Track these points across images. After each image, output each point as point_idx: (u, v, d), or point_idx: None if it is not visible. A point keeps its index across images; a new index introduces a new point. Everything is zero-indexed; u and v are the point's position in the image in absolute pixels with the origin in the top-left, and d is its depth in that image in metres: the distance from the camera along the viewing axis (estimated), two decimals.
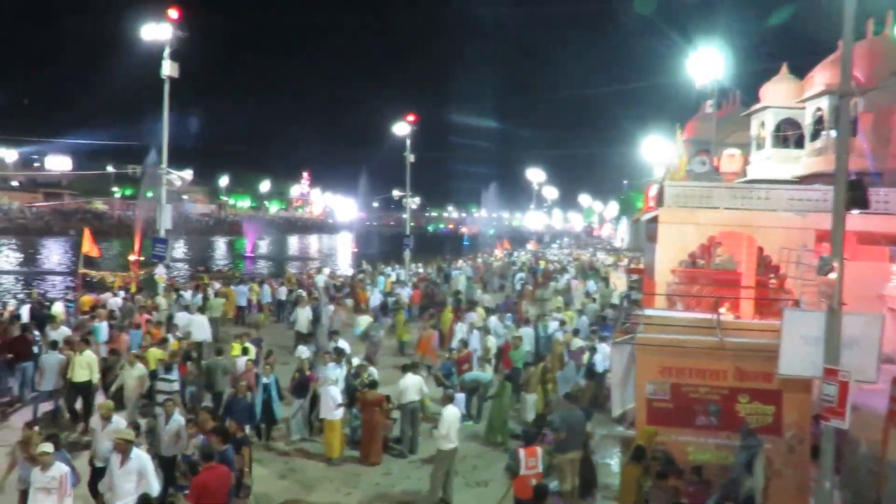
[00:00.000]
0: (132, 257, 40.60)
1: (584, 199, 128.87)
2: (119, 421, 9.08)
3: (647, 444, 8.96)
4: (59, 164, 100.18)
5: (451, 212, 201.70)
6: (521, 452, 8.64)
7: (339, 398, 11.48)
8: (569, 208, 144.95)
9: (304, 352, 14.56)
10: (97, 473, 8.72)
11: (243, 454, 8.92)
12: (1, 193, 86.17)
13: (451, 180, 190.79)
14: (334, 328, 18.15)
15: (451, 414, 10.22)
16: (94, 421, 9.24)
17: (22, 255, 55.16)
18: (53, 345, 13.20)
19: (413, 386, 12.00)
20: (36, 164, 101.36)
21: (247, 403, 11.16)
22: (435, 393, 13.50)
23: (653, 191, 22.06)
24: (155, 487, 7.78)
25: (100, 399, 11.98)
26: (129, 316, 17.88)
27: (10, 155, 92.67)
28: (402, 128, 37.25)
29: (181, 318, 17.35)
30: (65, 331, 14.77)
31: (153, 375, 12.45)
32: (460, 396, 12.56)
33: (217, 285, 25.86)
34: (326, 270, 36.32)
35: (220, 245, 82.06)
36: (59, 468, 7.41)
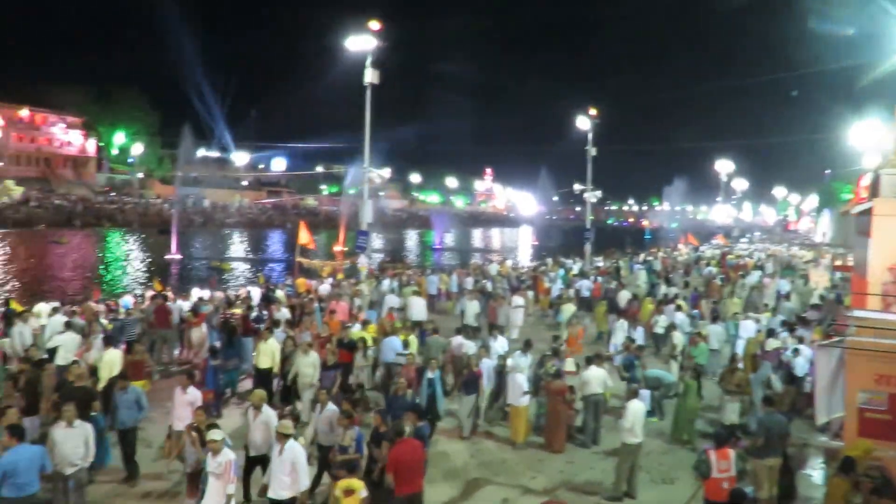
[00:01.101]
0: (337, 248, 44.33)
1: (779, 190, 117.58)
2: (269, 411, 8.78)
3: (861, 460, 7.96)
4: (279, 165, 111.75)
5: (632, 205, 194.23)
6: (713, 454, 8.08)
7: (526, 385, 11.55)
8: (760, 201, 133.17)
9: (469, 346, 13.57)
10: (251, 462, 8.71)
11: (382, 448, 8.33)
12: (234, 192, 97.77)
13: (631, 173, 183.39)
14: (500, 322, 18.14)
15: (636, 408, 9.85)
16: (249, 410, 8.92)
17: (250, 245, 62.34)
18: (276, 324, 14.78)
19: (596, 378, 11.74)
20: (261, 167, 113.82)
21: (406, 401, 10.22)
22: (617, 388, 13.12)
23: (865, 180, 19.44)
24: (304, 482, 7.63)
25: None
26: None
27: (242, 158, 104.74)
28: (583, 122, 36.53)
29: (392, 300, 19.19)
30: (285, 312, 16.44)
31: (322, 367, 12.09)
32: (645, 392, 12.06)
33: (410, 273, 27.31)
34: (508, 262, 36.74)
35: (412, 238, 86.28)
36: (227, 454, 7.38)
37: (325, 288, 21.89)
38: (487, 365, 12.27)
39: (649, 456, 10.88)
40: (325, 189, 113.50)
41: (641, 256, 41.23)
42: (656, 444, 11.63)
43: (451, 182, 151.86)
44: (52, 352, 12.64)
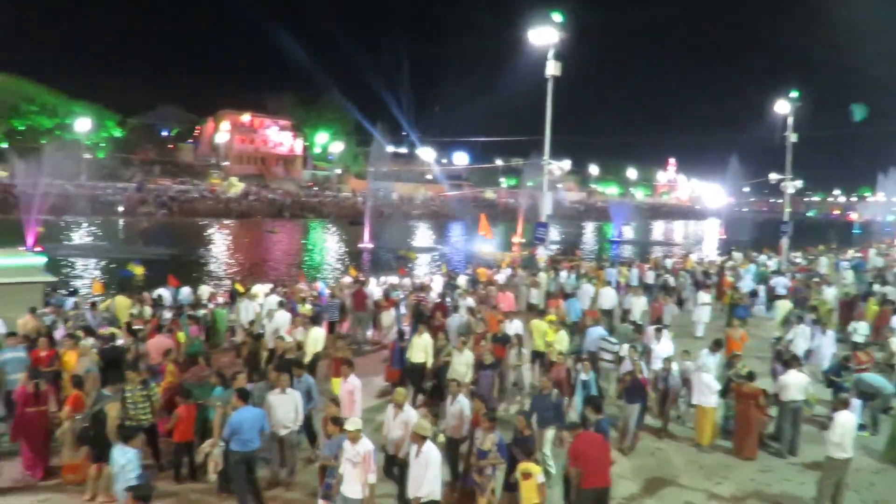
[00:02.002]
0: (515, 239, 44.73)
1: None
2: (410, 410, 8.38)
3: None
4: (461, 159, 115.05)
5: (837, 196, 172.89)
6: None
7: (715, 385, 10.79)
8: None
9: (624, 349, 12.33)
10: (390, 459, 8.37)
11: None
12: (419, 186, 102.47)
13: (838, 161, 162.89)
14: (665, 321, 16.26)
15: (846, 420, 8.74)
16: (389, 408, 8.52)
17: (434, 235, 65.01)
18: (455, 308, 15.26)
19: (796, 384, 10.63)
20: (444, 161, 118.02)
21: (552, 402, 9.40)
22: (820, 393, 11.78)
23: None
24: (435, 489, 7.16)
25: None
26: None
27: (427, 154, 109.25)
28: (782, 106, 33.09)
29: (588, 290, 19.13)
30: (469, 301, 16.91)
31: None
32: (857, 402, 10.70)
33: (587, 266, 26.75)
34: (693, 257, 34.52)
35: (589, 230, 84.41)
36: (365, 444, 7.25)
37: (502, 278, 22.21)
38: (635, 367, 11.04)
39: (858, 474, 9.64)
40: (503, 182, 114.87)
41: (849, 253, 36.56)
42: (866, 461, 10.28)
43: (631, 173, 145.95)
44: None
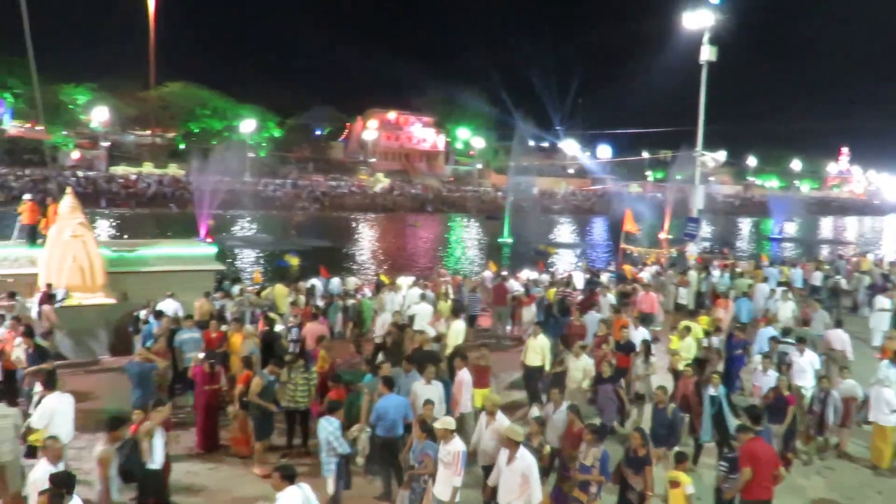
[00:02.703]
0: (662, 235, 42.65)
1: None
2: (503, 418, 7.95)
3: None
4: (604, 153, 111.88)
5: None
6: None
7: (895, 402, 9.62)
8: None
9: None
10: (484, 472, 7.97)
11: (644, 475, 7.27)
12: (560, 180, 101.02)
13: None
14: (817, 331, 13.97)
15: None
16: (481, 417, 8.22)
17: (574, 231, 63.82)
18: (592, 306, 14.81)
19: None
20: (587, 154, 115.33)
21: (667, 418, 8.69)
22: None
23: None
24: (537, 496, 6.81)
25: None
26: (660, 289, 18.66)
27: (569, 147, 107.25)
28: None
29: (763, 289, 17.98)
30: (611, 298, 16.40)
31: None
32: None
33: (744, 265, 24.90)
34: (870, 256, 30.97)
35: (745, 226, 78.59)
36: (457, 444, 7.07)
37: (647, 276, 21.27)
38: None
39: None
40: (649, 175, 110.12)
41: None
42: None
43: (796, 164, 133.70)
44: (410, 319, 14.66)
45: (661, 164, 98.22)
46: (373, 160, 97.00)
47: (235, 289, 17.56)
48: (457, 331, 12.92)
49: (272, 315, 13.72)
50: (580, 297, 16.76)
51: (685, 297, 19.16)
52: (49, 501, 5.56)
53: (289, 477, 6.13)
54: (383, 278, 20.36)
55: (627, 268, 22.51)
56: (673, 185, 56.95)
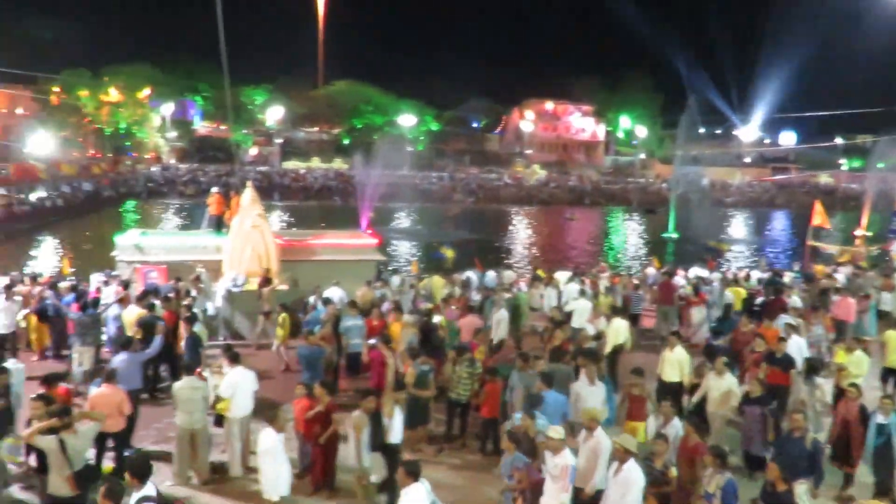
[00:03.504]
0: (858, 232, 38.25)
1: None
2: (603, 438, 7.28)
3: None
4: (787, 139, 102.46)
5: None
6: None
7: None
8: None
9: None
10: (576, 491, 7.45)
11: None
12: (734, 170, 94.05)
13: None
14: None
15: None
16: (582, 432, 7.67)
17: (751, 226, 59.18)
18: (784, 309, 13.57)
19: None
20: (766, 141, 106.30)
21: (802, 448, 7.68)
22: None
23: None
24: None
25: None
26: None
27: (748, 134, 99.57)
28: None
29: None
30: (796, 300, 15.00)
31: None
32: None
33: None
34: None
35: None
36: (566, 457, 6.78)
37: (842, 277, 19.17)
38: None
39: None
40: (843, 163, 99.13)
41: None
42: None
43: None
44: (568, 315, 14.45)
45: (860, 151, 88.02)
46: (529, 152, 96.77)
47: (396, 279, 18.37)
48: (617, 329, 12.54)
49: (429, 305, 14.16)
50: (760, 300, 15.48)
51: (890, 303, 16.98)
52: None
53: (413, 474, 6.17)
54: (540, 273, 20.24)
55: (819, 268, 20.42)
56: (873, 175, 50.83)
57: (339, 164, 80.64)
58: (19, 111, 75.61)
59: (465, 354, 9.96)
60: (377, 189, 42.58)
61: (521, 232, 51.52)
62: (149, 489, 5.82)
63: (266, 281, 15.13)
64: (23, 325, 13.61)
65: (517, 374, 9.34)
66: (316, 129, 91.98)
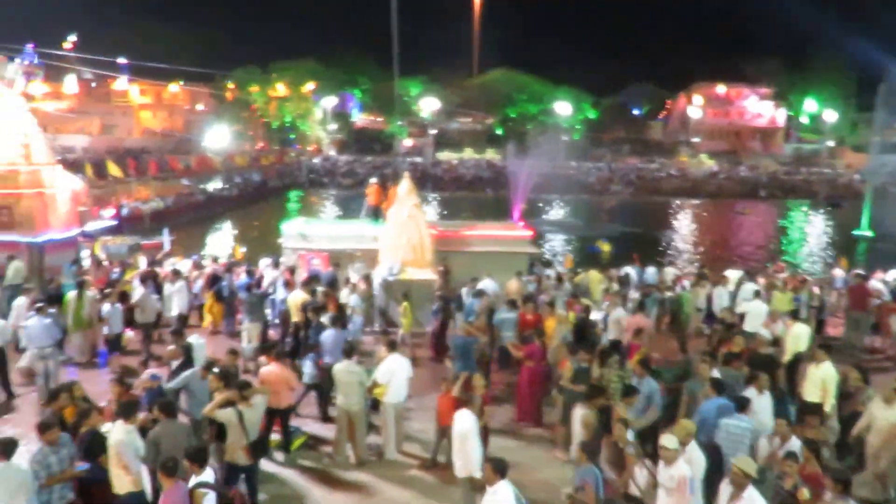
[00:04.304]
0: None
1: None
2: (698, 454, 6.91)
3: None
4: None
5: None
6: None
7: None
8: None
9: None
10: None
11: None
12: None
13: None
14: None
15: None
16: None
17: None
18: None
19: None
20: None
21: None
22: None
23: None
24: None
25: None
26: None
27: None
28: None
29: None
30: None
31: None
32: None
33: None
34: None
35: None
36: (681, 468, 6.36)
37: None
38: None
39: None
40: None
41: None
42: None
43: None
44: (740, 318, 13.55)
45: None
46: (696, 140, 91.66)
47: (548, 272, 18.24)
48: (797, 335, 11.57)
49: (586, 301, 13.93)
50: None
51: None
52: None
53: (500, 470, 6.07)
54: (707, 271, 19.16)
55: None
56: None
57: (491, 154, 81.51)
58: (199, 107, 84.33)
59: (612, 356, 9.69)
60: (530, 180, 42.49)
61: (685, 226, 49.04)
62: (207, 475, 6.15)
63: (444, 273, 15.67)
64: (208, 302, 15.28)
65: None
66: (469, 119, 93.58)
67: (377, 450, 9.52)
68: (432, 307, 14.10)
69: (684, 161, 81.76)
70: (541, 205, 53.76)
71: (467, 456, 7.41)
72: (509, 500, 5.96)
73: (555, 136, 72.22)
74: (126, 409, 6.87)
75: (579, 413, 8.13)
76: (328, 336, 10.54)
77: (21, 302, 12.96)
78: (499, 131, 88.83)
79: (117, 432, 6.65)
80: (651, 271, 19.63)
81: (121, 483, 6.57)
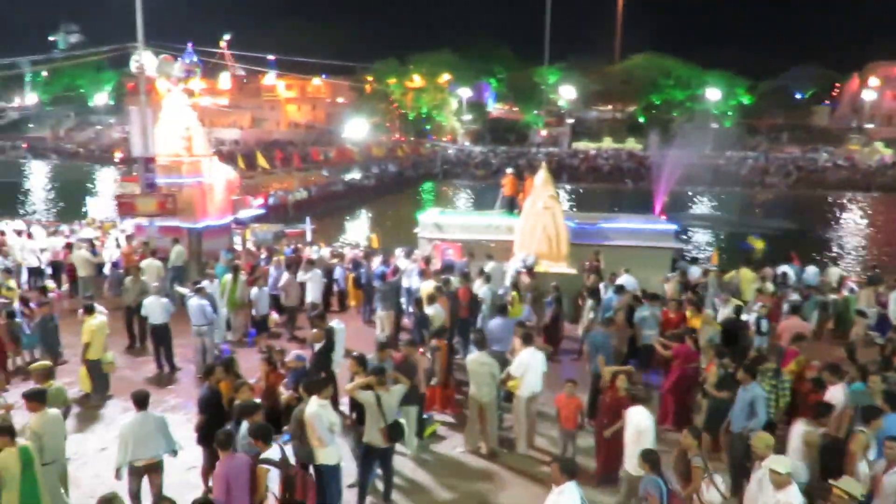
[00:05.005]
0: None
1: None
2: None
3: None
4: None
5: None
6: None
7: None
8: None
9: None
10: None
11: None
12: None
13: None
14: None
15: None
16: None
17: None
18: None
19: None
20: None
21: None
22: None
23: None
24: None
25: None
26: None
27: None
28: None
29: None
30: None
31: None
32: None
33: None
34: None
35: None
36: (791, 495, 5.93)
37: None
38: None
39: None
40: None
41: None
42: None
43: None
44: None
45: None
46: (869, 126, 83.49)
47: (693, 269, 17.49)
48: None
49: (737, 301, 13.21)
50: None
51: None
52: None
53: (569, 472, 6.02)
54: (879, 272, 17.54)
55: None
56: None
57: (632, 144, 78.90)
58: (340, 100, 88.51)
59: (764, 364, 9.09)
60: (674, 171, 40.87)
61: (853, 223, 44.98)
62: (272, 452, 6.47)
63: (595, 269, 15.55)
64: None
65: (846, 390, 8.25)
66: (609, 107, 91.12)
67: (509, 442, 9.63)
68: (546, 299, 13.90)
69: (854, 150, 74.58)
70: (689, 197, 51.44)
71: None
72: (574, 502, 5.90)
73: (703, 124, 68.53)
74: (317, 385, 7.42)
75: (801, 430, 7.54)
76: (496, 324, 10.82)
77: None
78: (641, 119, 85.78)
79: (311, 406, 7.22)
80: (812, 271, 18.32)
81: (316, 455, 7.17)
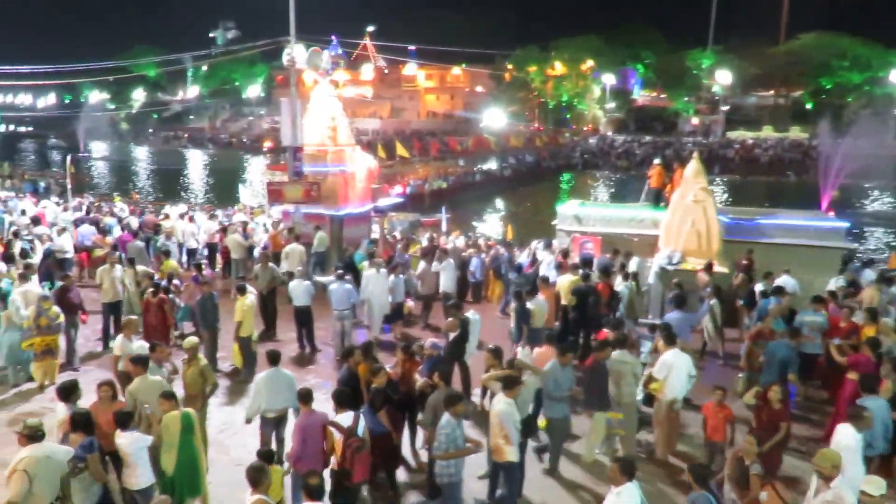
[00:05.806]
0: None
1: None
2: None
3: None
4: None
5: None
6: None
7: None
8: None
9: None
10: None
11: None
12: None
13: None
14: None
15: None
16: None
17: None
18: None
19: None
20: None
21: None
22: None
23: None
24: None
25: None
26: None
27: None
28: None
29: None
30: None
31: None
32: None
33: None
34: None
35: None
36: None
37: None
38: None
39: None
40: None
41: None
42: None
43: None
44: None
45: None
46: None
47: (867, 272, 16.05)
48: None
49: None
50: None
51: None
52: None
53: (628, 472, 6.00)
54: None
55: None
56: None
57: (796, 132, 73.21)
58: (478, 89, 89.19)
59: None
60: (846, 163, 37.63)
61: None
62: (344, 417, 7.18)
63: (709, 267, 14.71)
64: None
65: None
66: (770, 92, 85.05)
67: (649, 447, 9.35)
68: (703, 301, 13.24)
69: None
70: (864, 193, 47.17)
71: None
72: (634, 502, 5.91)
73: (883, 110, 62.26)
74: (509, 382, 7.62)
75: None
76: (673, 317, 10.78)
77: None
78: (808, 105, 79.33)
79: (499, 403, 7.48)
80: None
81: (500, 453, 7.35)
